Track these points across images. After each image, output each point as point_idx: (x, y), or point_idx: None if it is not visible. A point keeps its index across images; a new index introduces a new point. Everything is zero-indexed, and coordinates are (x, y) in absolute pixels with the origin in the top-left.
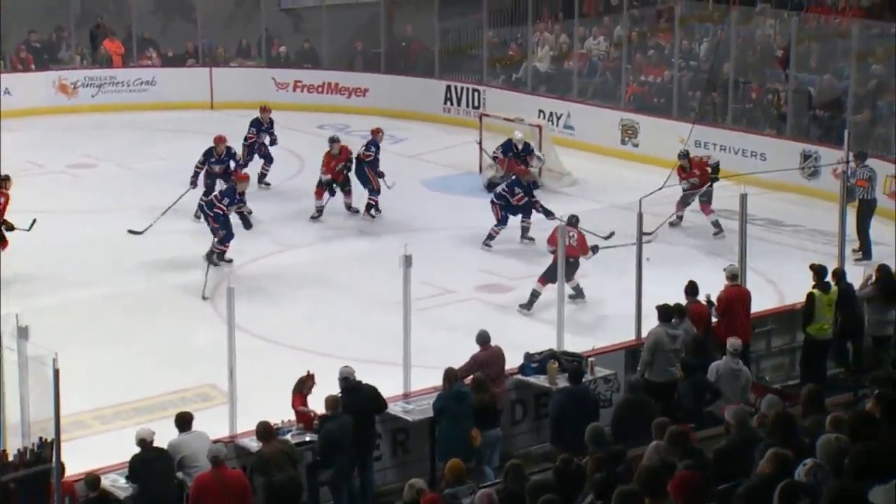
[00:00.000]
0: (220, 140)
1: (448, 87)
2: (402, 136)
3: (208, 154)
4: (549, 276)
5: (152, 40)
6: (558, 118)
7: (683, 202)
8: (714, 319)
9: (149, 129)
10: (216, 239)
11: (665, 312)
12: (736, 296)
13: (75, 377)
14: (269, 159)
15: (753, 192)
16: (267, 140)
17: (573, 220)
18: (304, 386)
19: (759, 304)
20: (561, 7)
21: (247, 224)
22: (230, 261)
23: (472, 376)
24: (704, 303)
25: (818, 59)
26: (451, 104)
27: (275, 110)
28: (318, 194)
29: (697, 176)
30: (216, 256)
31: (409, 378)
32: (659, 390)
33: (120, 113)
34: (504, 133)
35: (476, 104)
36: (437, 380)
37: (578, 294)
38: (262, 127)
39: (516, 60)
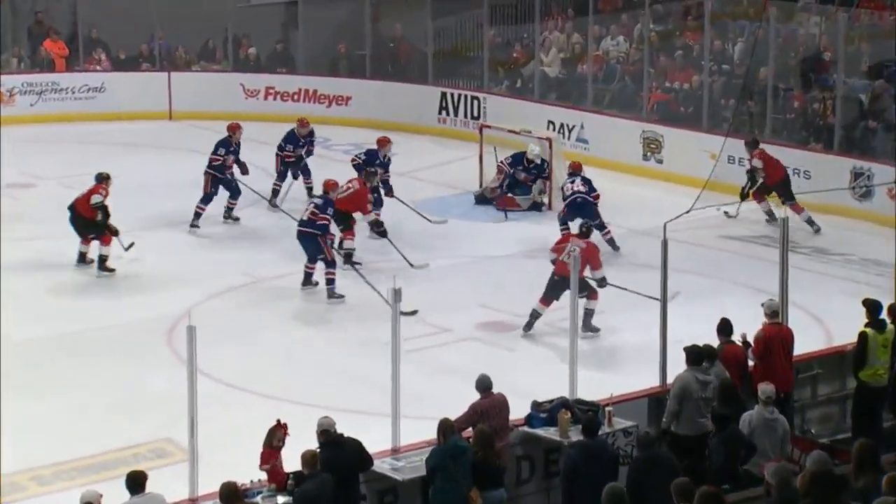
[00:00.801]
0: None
1: (443, 95)
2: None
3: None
4: (550, 295)
5: (101, 40)
6: (570, 130)
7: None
8: (751, 363)
9: (97, 142)
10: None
11: (694, 355)
12: (776, 335)
13: (8, 431)
14: (307, 173)
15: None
16: (304, 153)
17: (585, 229)
18: (274, 437)
19: (802, 346)
20: (573, 2)
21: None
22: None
23: (471, 428)
24: (739, 343)
25: (870, 62)
26: (447, 114)
27: (243, 121)
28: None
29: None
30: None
31: (398, 430)
32: (687, 445)
33: (63, 124)
34: (509, 147)
35: (476, 114)
36: (431, 432)
37: (589, 328)
38: (299, 142)
39: (521, 63)
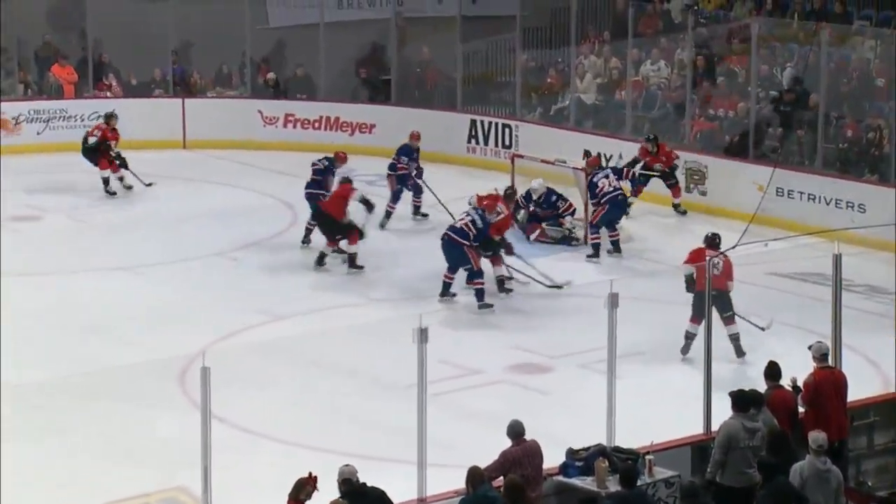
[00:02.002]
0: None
1: (473, 122)
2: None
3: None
4: (699, 312)
5: (111, 65)
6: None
7: (638, 183)
8: (801, 409)
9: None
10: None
11: (741, 400)
12: (828, 380)
13: (13, 477)
14: (419, 190)
15: (850, 251)
16: (414, 170)
17: (716, 240)
18: (302, 491)
19: (857, 391)
20: (610, 25)
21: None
22: (453, 294)
23: (502, 477)
24: (789, 388)
25: None
26: (477, 142)
27: (260, 150)
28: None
29: (663, 162)
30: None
31: (424, 479)
32: (733, 497)
33: (72, 153)
34: (542, 178)
35: (507, 142)
36: (459, 482)
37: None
38: (412, 154)
39: (556, 90)
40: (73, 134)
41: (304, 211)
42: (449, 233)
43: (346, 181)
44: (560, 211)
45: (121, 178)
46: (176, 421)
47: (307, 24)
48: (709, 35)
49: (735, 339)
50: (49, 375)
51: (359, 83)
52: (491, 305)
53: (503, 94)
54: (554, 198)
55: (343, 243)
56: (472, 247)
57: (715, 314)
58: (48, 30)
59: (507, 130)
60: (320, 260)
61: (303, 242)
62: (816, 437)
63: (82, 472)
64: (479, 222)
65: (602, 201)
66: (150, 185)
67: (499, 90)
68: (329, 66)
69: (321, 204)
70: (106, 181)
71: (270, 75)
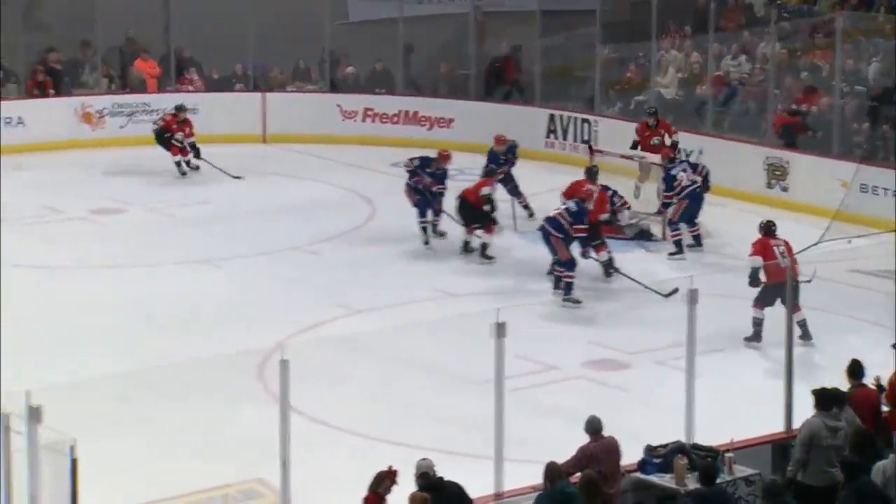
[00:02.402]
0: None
1: (552, 117)
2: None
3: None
4: (767, 300)
5: (193, 60)
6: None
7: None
8: (885, 408)
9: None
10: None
11: (824, 398)
12: None
13: (95, 469)
14: (517, 193)
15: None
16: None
17: (772, 228)
18: (381, 484)
19: None
20: (691, 19)
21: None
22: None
23: (579, 473)
24: (873, 387)
25: None
26: (556, 137)
27: (339, 144)
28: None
29: (661, 136)
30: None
31: (501, 474)
32: (815, 496)
33: (154, 147)
34: (619, 174)
35: (586, 137)
36: (537, 477)
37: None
38: (499, 160)
39: (636, 84)
40: None
41: (383, 206)
42: (545, 224)
43: (491, 173)
44: (617, 205)
45: (187, 162)
46: (255, 414)
47: (387, 19)
48: (792, 29)
49: (802, 325)
50: (130, 368)
51: (439, 77)
52: (579, 301)
53: (582, 88)
54: (609, 192)
55: (479, 232)
56: (559, 238)
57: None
58: (132, 25)
59: (586, 125)
60: (465, 247)
61: (425, 244)
62: None
63: (162, 464)
64: (573, 207)
65: (682, 195)
66: (238, 178)
67: (578, 85)
68: (408, 60)
69: (465, 192)
70: (177, 164)
71: (350, 70)
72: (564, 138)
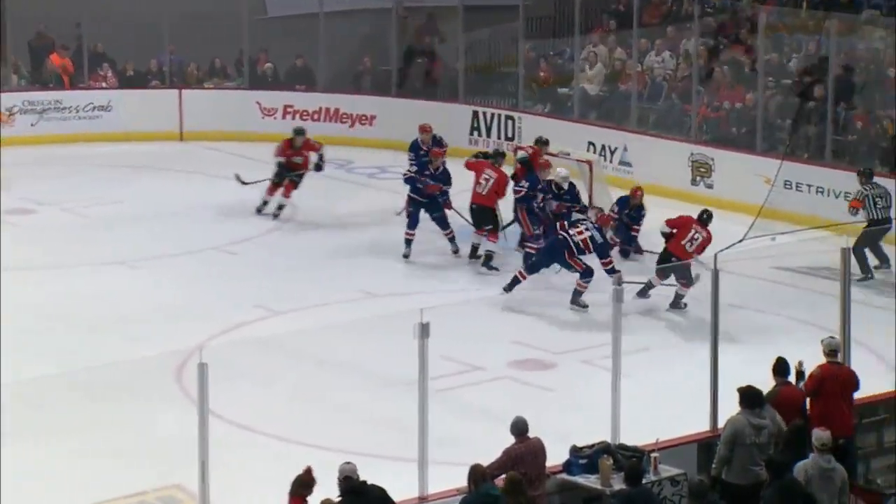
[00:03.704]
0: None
1: (475, 114)
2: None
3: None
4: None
5: (107, 55)
6: (612, 152)
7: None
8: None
9: (103, 165)
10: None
11: (749, 396)
12: (834, 376)
13: (8, 475)
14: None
15: None
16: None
17: (704, 217)
18: (302, 486)
19: (867, 388)
20: (615, 15)
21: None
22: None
23: (504, 475)
24: (795, 375)
25: None
26: (480, 134)
27: (259, 142)
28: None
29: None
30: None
31: (425, 477)
32: (738, 495)
33: (67, 145)
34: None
35: (510, 134)
36: (461, 479)
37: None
38: (421, 150)
39: (560, 81)
40: (67, 126)
41: (303, 207)
42: (567, 245)
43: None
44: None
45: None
46: (173, 418)
47: (306, 14)
48: (715, 25)
49: (680, 297)
50: (45, 372)
51: (361, 73)
52: (586, 306)
53: (506, 84)
54: (577, 190)
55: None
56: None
57: None
58: (42, 19)
59: (510, 122)
60: (473, 252)
61: (405, 256)
62: (820, 435)
63: (79, 469)
64: (598, 238)
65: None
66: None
67: (501, 81)
68: (329, 56)
69: (477, 197)
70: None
71: (269, 66)
72: (488, 135)
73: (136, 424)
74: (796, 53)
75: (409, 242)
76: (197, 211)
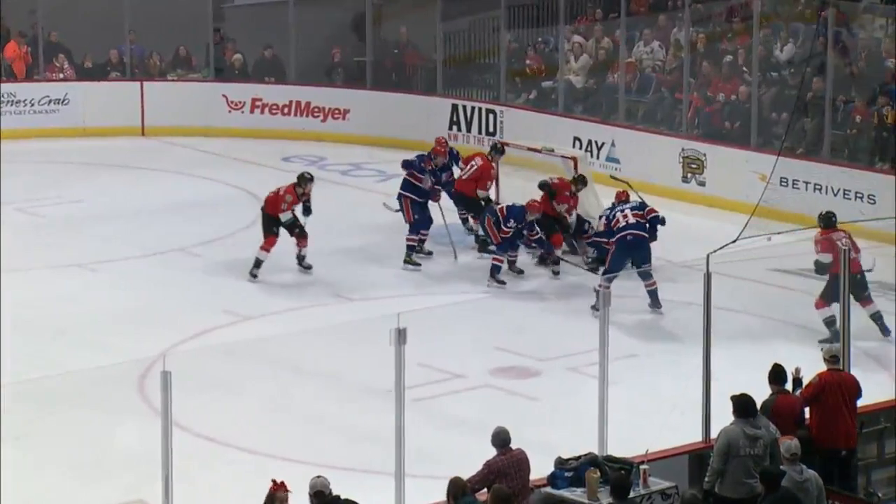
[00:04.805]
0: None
1: (454, 107)
2: (393, 170)
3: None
4: (831, 296)
5: (62, 46)
6: (599, 147)
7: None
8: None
9: (60, 162)
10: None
11: (743, 405)
12: (835, 383)
13: None
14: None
15: (859, 245)
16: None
17: (832, 220)
18: (275, 499)
19: (869, 396)
20: (602, 3)
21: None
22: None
23: (489, 489)
24: (792, 378)
25: None
26: (459, 129)
27: (226, 137)
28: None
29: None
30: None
31: (402, 491)
32: None
33: (21, 140)
34: (528, 167)
35: (491, 129)
36: (440, 494)
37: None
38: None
39: (544, 72)
40: (22, 120)
41: None
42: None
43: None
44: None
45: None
46: (135, 429)
47: (275, 1)
48: (707, 13)
49: (878, 318)
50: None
51: (332, 65)
52: (503, 283)
53: (487, 76)
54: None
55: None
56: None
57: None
58: None
59: (491, 116)
60: (478, 240)
61: (405, 262)
62: (788, 445)
63: (36, 484)
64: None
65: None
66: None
67: (482, 73)
68: (300, 47)
69: (459, 182)
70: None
71: (236, 57)
72: (468, 130)
73: (97, 437)
74: (793, 43)
75: (422, 242)
76: (160, 210)
